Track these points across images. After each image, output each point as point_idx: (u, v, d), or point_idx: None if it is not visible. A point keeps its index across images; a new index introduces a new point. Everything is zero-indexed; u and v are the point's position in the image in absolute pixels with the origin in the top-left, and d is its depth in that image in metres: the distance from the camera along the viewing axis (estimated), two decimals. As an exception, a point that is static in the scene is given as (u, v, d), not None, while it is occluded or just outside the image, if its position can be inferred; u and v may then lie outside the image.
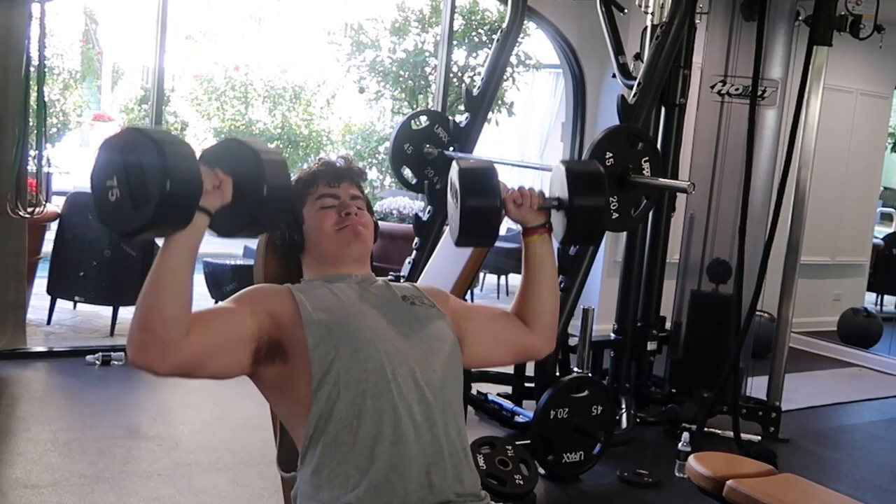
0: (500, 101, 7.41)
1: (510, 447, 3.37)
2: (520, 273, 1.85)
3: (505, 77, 6.65)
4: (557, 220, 1.80)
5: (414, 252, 4.33)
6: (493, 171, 1.76)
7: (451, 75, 6.69)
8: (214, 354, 1.51)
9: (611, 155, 3.36)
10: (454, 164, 1.78)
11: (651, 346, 4.37)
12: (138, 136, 1.39)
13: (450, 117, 4.60)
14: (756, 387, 4.49)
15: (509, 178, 7.95)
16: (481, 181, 1.74)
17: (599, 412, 3.64)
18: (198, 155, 1.46)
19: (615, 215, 3.37)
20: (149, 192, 1.36)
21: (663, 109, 4.28)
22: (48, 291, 5.17)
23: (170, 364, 1.45)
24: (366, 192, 1.85)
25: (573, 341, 3.95)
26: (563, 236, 1.78)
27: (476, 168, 1.77)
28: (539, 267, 1.82)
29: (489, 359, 1.87)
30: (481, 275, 7.61)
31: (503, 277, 7.65)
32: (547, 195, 1.80)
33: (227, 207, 1.49)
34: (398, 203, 6.74)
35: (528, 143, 8.84)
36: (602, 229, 1.80)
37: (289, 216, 1.72)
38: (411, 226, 4.57)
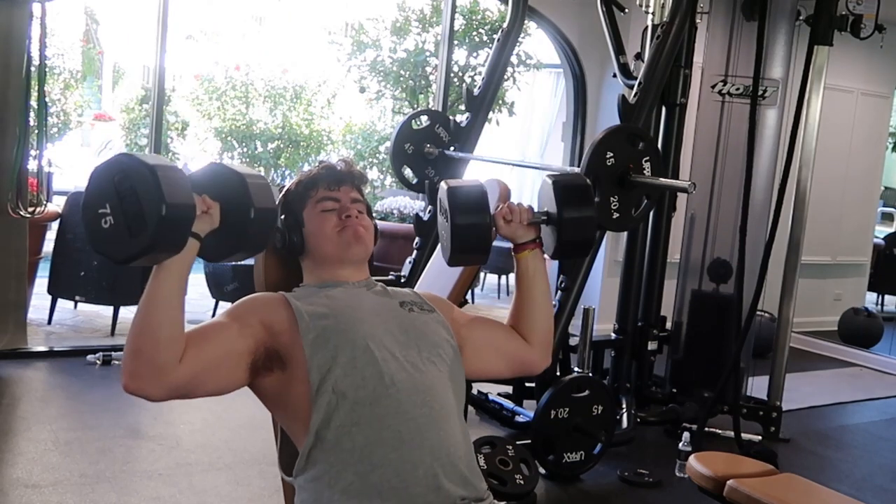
0: (500, 101, 7.40)
1: (511, 447, 3.37)
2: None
3: (505, 77, 6.64)
4: (547, 234, 1.82)
5: (414, 252, 4.33)
6: (481, 190, 1.78)
7: (452, 75, 6.69)
8: (210, 374, 1.51)
9: (611, 154, 3.36)
10: (442, 184, 1.80)
11: (652, 345, 4.36)
12: (131, 162, 1.39)
13: (450, 117, 4.60)
14: (757, 387, 4.49)
15: (510, 178, 7.98)
16: (470, 199, 1.76)
17: (600, 412, 3.64)
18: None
19: (616, 215, 3.37)
20: (145, 217, 1.36)
21: (664, 109, 4.28)
22: (49, 291, 5.17)
23: (165, 387, 1.44)
24: (366, 194, 1.85)
25: (574, 341, 3.95)
26: (553, 250, 1.80)
27: (464, 186, 1.79)
28: (532, 282, 1.82)
29: (488, 370, 1.86)
30: (481, 274, 7.61)
31: (503, 277, 7.65)
32: (536, 210, 1.82)
33: (216, 232, 1.50)
34: (399, 203, 6.73)
35: (528, 143, 8.84)
36: (592, 240, 1.81)
37: (282, 226, 1.73)
38: (412, 225, 4.57)
